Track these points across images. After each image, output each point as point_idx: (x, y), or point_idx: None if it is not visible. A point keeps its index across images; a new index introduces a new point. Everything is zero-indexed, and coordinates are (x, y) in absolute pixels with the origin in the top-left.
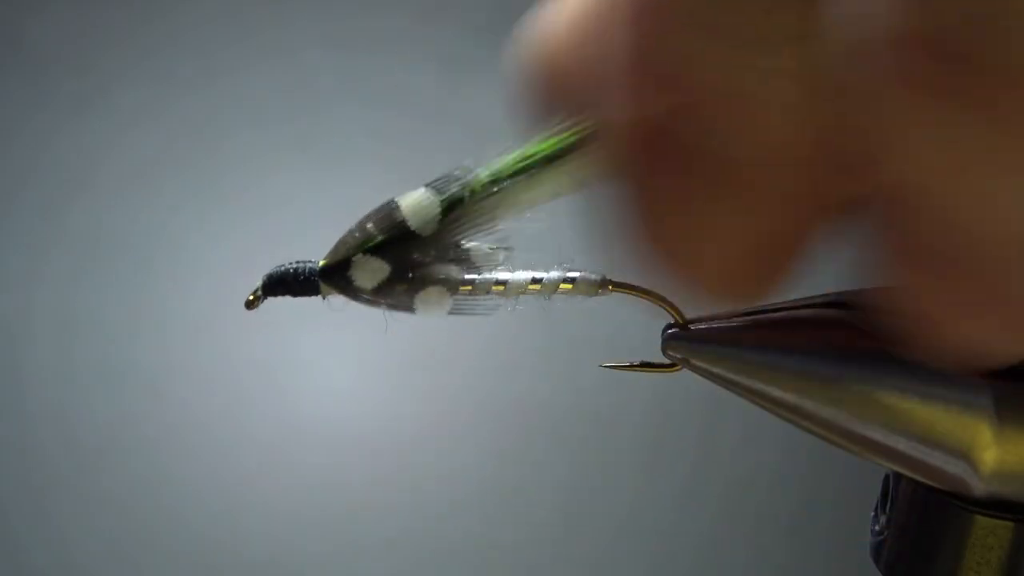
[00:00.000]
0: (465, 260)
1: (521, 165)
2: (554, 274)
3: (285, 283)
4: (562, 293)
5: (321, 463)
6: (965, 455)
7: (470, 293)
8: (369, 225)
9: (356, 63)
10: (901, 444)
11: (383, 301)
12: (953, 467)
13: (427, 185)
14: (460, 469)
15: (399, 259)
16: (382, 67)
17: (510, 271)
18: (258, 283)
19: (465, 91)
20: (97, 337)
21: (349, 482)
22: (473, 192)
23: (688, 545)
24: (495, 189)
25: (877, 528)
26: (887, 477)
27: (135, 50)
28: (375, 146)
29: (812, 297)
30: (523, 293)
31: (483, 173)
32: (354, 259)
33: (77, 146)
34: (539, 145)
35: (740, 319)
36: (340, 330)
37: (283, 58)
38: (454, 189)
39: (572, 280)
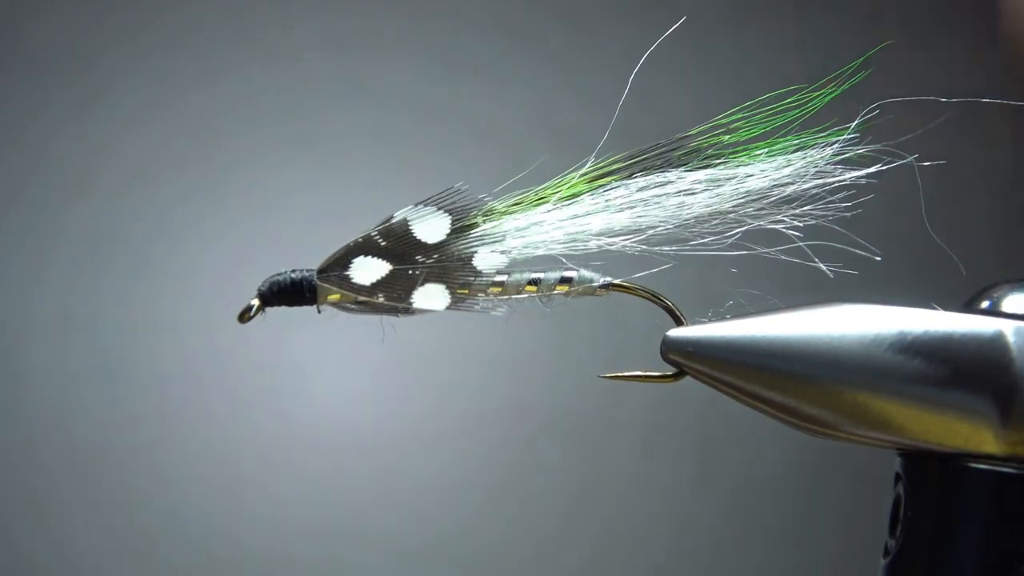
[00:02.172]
0: (466, 263)
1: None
2: (552, 274)
3: (283, 290)
4: (561, 293)
5: (320, 463)
6: (972, 442)
7: (468, 294)
8: (373, 234)
9: (356, 63)
10: (906, 443)
11: (380, 295)
12: (964, 448)
13: (439, 208)
14: (460, 470)
15: (400, 260)
16: (382, 67)
17: (508, 273)
18: (253, 299)
19: (465, 91)
20: (96, 337)
21: (348, 481)
22: (485, 216)
23: (688, 545)
24: (507, 213)
25: (887, 550)
26: (896, 501)
27: (135, 50)
28: (375, 146)
29: (812, 303)
30: (521, 293)
31: (499, 205)
32: (354, 261)
33: (77, 146)
34: (555, 188)
35: (739, 322)
36: (341, 331)
37: (284, 58)
38: (468, 218)
39: (570, 280)
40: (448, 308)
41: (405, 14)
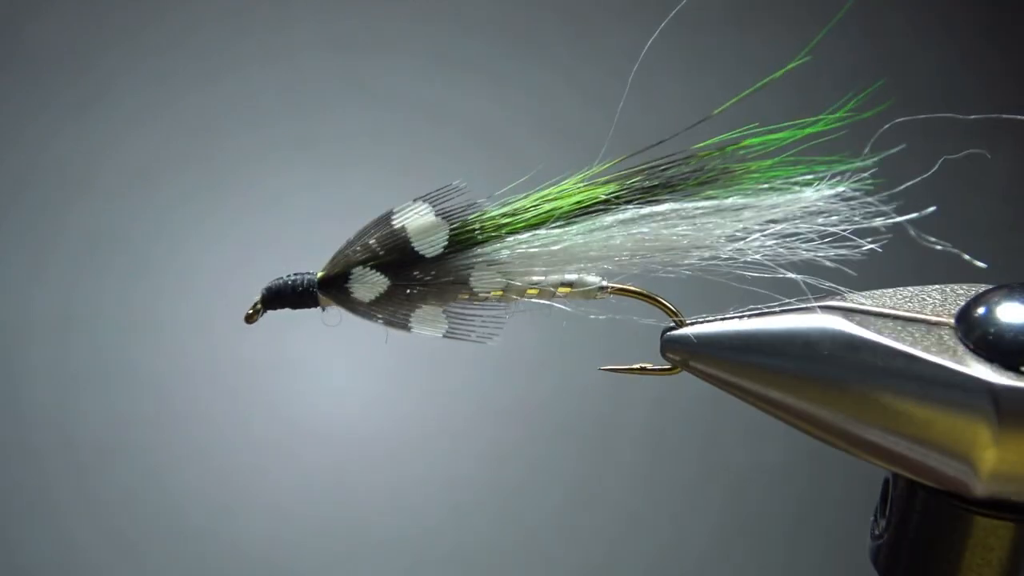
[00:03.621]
0: (464, 283)
1: (537, 214)
2: (552, 278)
3: (284, 296)
4: (560, 297)
5: (320, 463)
6: (964, 456)
7: (468, 300)
8: (371, 241)
9: (356, 63)
10: (900, 446)
11: (379, 315)
12: (953, 469)
13: (437, 213)
14: (460, 469)
15: (399, 275)
16: (382, 67)
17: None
18: (257, 298)
19: (465, 91)
20: (96, 337)
21: (348, 481)
22: (484, 228)
23: (688, 544)
24: (506, 227)
25: (877, 532)
26: (886, 481)
27: (135, 50)
28: (375, 146)
29: (808, 300)
30: (522, 298)
31: (497, 212)
32: (353, 272)
33: (77, 146)
34: (557, 198)
35: (738, 320)
36: (340, 331)
37: (284, 58)
38: (465, 221)
39: (570, 283)
40: (445, 336)
41: (405, 14)
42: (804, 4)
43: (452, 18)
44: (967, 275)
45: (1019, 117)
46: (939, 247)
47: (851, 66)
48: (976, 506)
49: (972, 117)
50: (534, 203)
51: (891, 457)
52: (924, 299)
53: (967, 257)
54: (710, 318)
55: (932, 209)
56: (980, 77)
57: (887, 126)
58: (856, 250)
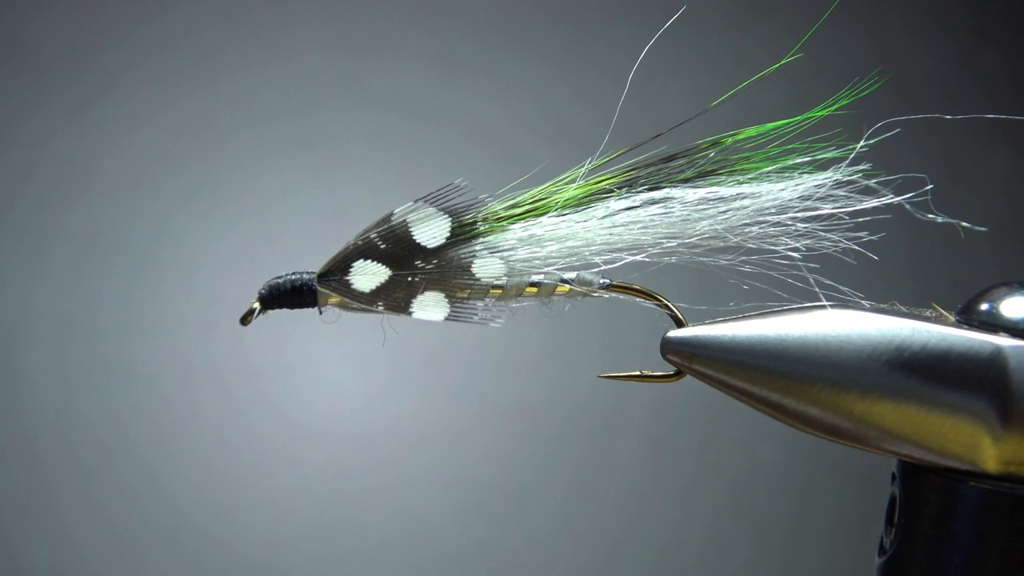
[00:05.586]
0: (466, 269)
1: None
2: (552, 276)
3: (283, 294)
4: (560, 295)
5: (320, 463)
6: (967, 459)
7: (468, 297)
8: (372, 235)
9: (356, 63)
10: (906, 448)
11: (380, 303)
12: (960, 464)
13: (438, 207)
14: (460, 469)
15: (400, 265)
16: (382, 67)
17: (507, 276)
18: (254, 301)
19: (465, 91)
20: (96, 337)
21: (348, 481)
22: (486, 219)
23: (688, 544)
24: (508, 218)
25: (885, 546)
26: (892, 499)
27: (135, 50)
28: (375, 146)
29: (811, 305)
30: (521, 295)
31: (499, 206)
32: (354, 264)
33: (77, 146)
34: (559, 192)
35: (738, 323)
36: (340, 331)
37: (283, 58)
38: (468, 217)
39: (569, 281)
40: (447, 319)
41: (405, 14)
42: (805, 6)
43: (452, 18)
44: (964, 266)
45: (1002, 116)
46: (939, 219)
47: (852, 67)
48: (990, 480)
49: (959, 117)
50: (535, 196)
51: (898, 454)
52: (920, 312)
53: (966, 224)
54: (711, 320)
55: (930, 187)
56: (979, 76)
57: (879, 124)
58: (856, 237)
